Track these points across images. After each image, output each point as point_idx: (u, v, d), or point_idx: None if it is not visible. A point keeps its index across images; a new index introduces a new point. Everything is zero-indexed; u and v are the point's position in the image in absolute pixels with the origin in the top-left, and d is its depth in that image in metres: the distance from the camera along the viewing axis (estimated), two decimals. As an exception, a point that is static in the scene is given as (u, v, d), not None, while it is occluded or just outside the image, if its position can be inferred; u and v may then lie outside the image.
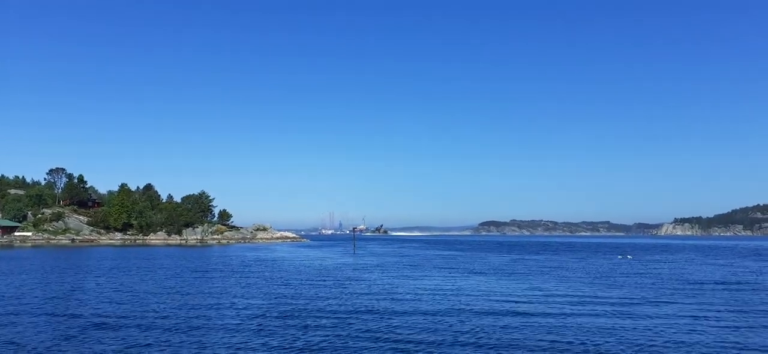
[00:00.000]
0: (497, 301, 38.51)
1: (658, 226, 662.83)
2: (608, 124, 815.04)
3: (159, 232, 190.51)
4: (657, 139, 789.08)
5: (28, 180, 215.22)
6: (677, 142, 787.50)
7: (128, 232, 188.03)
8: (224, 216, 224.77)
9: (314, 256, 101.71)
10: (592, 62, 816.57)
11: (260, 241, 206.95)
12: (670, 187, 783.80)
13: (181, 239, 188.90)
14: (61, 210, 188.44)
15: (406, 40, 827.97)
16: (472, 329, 28.10)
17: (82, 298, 39.75)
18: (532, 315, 32.45)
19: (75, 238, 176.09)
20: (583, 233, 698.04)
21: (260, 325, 29.34)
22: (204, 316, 32.18)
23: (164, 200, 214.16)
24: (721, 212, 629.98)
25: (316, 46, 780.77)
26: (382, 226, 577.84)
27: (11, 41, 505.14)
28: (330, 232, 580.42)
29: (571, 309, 34.81)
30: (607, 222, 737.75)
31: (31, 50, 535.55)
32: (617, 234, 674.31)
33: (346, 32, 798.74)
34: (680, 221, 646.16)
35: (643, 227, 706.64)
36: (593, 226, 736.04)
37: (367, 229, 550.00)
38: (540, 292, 43.43)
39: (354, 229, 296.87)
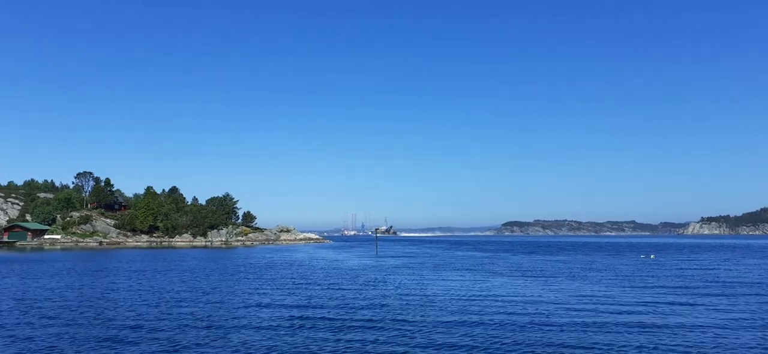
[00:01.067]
0: (527, 304, 38.08)
1: (685, 225, 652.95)
2: (633, 121, 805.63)
3: (184, 234, 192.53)
4: (683, 136, 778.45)
5: (57, 184, 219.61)
6: (703, 138, 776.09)
7: (154, 235, 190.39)
8: (248, 218, 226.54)
9: (338, 258, 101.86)
10: (616, 59, 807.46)
11: (284, 242, 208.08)
12: (697, 186, 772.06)
13: (206, 241, 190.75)
14: (89, 213, 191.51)
15: (426, 40, 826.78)
16: (507, 339, 27.78)
17: (115, 300, 40.19)
18: (564, 326, 31.99)
19: (102, 240, 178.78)
20: (608, 233, 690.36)
21: (291, 328, 29.34)
22: (235, 317, 32.31)
23: (189, 203, 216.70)
24: (749, 210, 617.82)
25: (336, 46, 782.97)
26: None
27: (37, 46, 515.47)
28: (352, 233, 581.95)
29: (609, 316, 34.22)
30: (633, 221, 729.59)
31: (57, 54, 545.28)
32: (643, 233, 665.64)
33: (364, 32, 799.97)
34: (707, 220, 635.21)
35: (669, 227, 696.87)
36: (618, 225, 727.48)
37: (387, 230, 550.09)
38: (570, 295, 42.86)
39: (377, 230, 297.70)
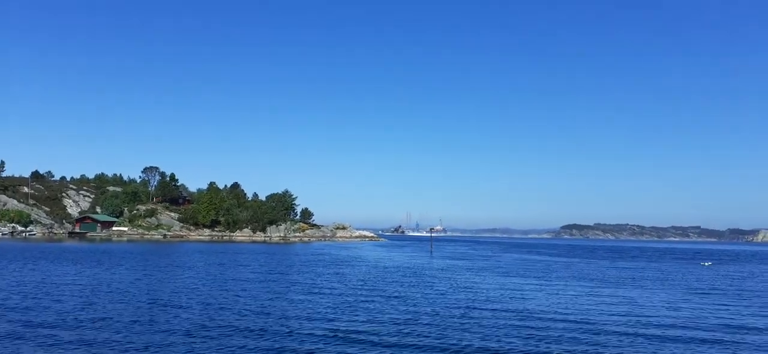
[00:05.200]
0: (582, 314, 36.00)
1: (754, 232, 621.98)
2: (698, 119, 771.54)
3: (244, 229, 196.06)
4: (752, 134, 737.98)
5: (125, 178, 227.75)
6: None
7: (216, 229, 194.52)
8: (306, 214, 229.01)
9: (395, 256, 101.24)
10: (684, 58, 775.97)
11: (340, 239, 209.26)
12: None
13: (265, 236, 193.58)
14: (154, 207, 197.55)
15: (481, 36, 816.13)
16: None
17: (221, 292, 40.27)
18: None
19: (166, 233, 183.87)
20: (672, 238, 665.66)
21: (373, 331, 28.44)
22: (328, 319, 31.69)
23: (250, 198, 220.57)
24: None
25: (386, 40, 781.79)
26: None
27: (106, 46, 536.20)
28: (409, 232, 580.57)
29: (661, 330, 31.89)
30: (698, 227, 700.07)
31: (127, 53, 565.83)
32: (709, 240, 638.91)
33: (418, 27, 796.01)
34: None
35: (737, 233, 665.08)
36: (683, 231, 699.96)
37: (444, 230, 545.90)
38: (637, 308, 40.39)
39: (431, 229, 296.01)
